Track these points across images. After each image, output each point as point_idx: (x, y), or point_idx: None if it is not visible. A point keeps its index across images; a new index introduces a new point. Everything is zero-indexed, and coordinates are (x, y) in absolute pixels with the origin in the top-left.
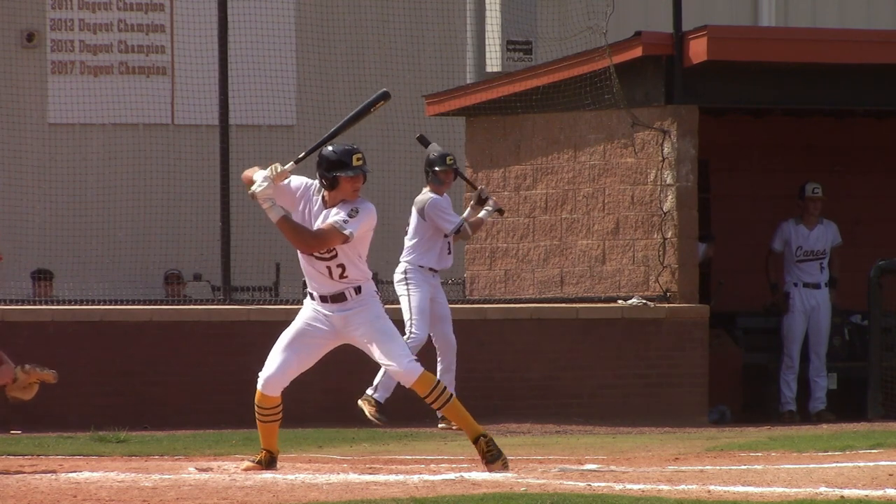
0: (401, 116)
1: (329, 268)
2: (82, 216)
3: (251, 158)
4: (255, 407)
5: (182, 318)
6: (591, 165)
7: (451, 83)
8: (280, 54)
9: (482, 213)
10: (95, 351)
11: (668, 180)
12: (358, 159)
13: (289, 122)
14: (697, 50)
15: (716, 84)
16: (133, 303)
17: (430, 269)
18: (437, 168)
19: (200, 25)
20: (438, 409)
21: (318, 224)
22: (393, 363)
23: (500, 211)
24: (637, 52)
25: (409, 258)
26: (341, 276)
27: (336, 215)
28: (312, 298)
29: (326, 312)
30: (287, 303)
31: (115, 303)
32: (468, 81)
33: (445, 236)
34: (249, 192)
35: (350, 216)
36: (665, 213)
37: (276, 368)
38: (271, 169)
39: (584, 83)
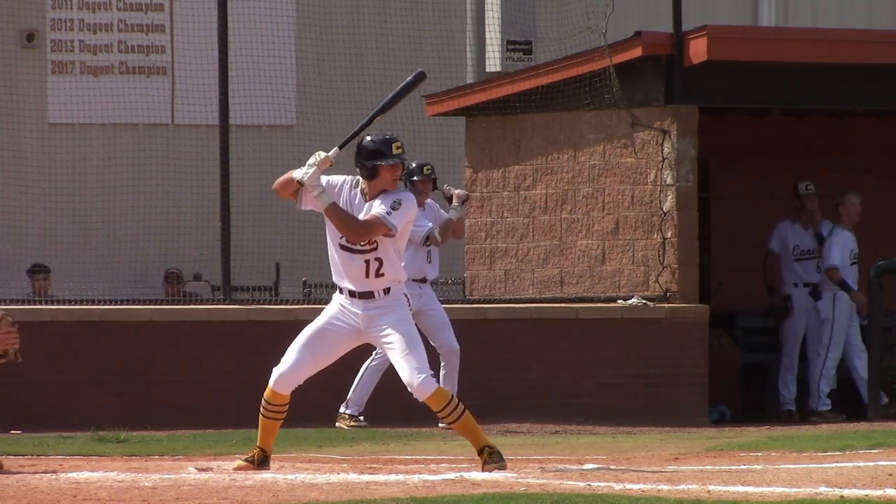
0: (400, 116)
1: (367, 262)
2: (82, 216)
3: (251, 158)
4: (263, 402)
5: (182, 318)
6: (590, 165)
7: (451, 83)
8: (280, 54)
9: (451, 213)
10: (95, 351)
11: (668, 180)
12: (397, 147)
13: (289, 122)
14: (697, 50)
15: (716, 84)
16: (133, 302)
17: (413, 280)
18: (415, 178)
19: (200, 25)
20: (451, 423)
21: (361, 216)
22: (406, 376)
23: (464, 201)
24: (637, 52)
25: None
26: (377, 273)
27: (379, 206)
28: (341, 293)
29: (353, 309)
30: (287, 303)
31: (115, 302)
32: (468, 81)
33: (425, 244)
34: (296, 179)
35: (393, 208)
36: (665, 213)
37: (290, 366)
38: (315, 156)
39: (584, 83)
